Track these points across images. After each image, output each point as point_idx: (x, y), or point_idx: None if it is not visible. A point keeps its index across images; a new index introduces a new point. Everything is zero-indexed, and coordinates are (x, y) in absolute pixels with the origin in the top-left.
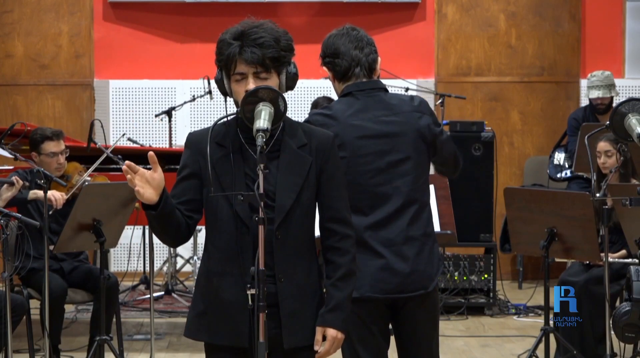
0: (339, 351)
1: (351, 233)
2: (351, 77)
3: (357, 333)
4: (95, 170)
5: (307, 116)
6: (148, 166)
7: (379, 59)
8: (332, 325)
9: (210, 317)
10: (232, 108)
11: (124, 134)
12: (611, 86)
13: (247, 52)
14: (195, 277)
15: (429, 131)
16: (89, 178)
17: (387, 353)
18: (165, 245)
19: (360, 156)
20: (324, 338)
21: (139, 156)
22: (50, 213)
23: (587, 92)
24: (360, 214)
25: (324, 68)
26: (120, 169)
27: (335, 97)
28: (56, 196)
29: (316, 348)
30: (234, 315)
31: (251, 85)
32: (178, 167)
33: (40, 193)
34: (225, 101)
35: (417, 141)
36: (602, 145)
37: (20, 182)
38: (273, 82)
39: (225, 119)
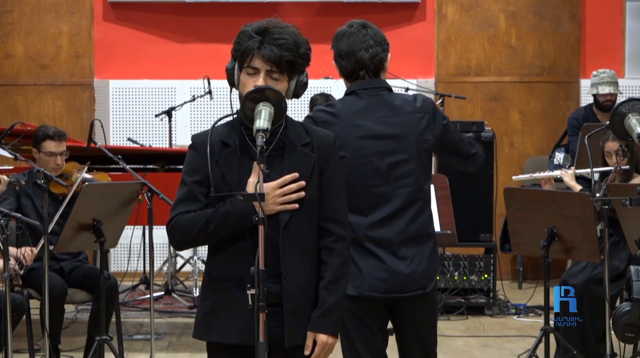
0: (338, 350)
1: (346, 235)
2: (357, 78)
3: (356, 331)
4: (96, 169)
5: (305, 114)
6: (148, 166)
7: (389, 56)
8: (323, 331)
9: (219, 317)
10: (236, 100)
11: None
12: (617, 83)
13: (266, 48)
14: (195, 277)
15: (431, 132)
16: (88, 175)
17: (386, 352)
18: (165, 245)
19: (361, 156)
20: (315, 342)
21: (138, 156)
22: (22, 272)
23: (591, 90)
24: (360, 215)
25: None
26: (121, 169)
27: (334, 93)
28: (26, 256)
29: (306, 352)
30: (242, 314)
31: (261, 81)
32: (178, 167)
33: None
34: (231, 91)
35: (418, 142)
36: (612, 145)
37: (5, 178)
38: (283, 85)
39: (227, 119)
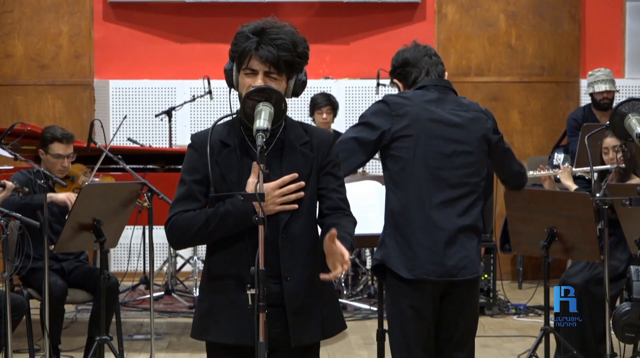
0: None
1: (353, 217)
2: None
3: (408, 319)
4: (99, 170)
5: (304, 115)
6: (148, 166)
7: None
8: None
9: (216, 317)
10: (235, 100)
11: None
12: (614, 81)
13: (263, 49)
14: (195, 277)
15: (491, 135)
16: (96, 179)
17: (433, 339)
18: (165, 245)
19: (428, 137)
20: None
21: (138, 156)
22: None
23: (588, 89)
24: (420, 194)
25: (395, 81)
26: (122, 169)
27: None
28: (71, 198)
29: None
30: (240, 314)
31: (259, 82)
32: (178, 167)
33: (55, 195)
34: (230, 92)
35: (481, 140)
36: (610, 141)
37: (10, 184)
38: (281, 84)
39: (227, 119)
